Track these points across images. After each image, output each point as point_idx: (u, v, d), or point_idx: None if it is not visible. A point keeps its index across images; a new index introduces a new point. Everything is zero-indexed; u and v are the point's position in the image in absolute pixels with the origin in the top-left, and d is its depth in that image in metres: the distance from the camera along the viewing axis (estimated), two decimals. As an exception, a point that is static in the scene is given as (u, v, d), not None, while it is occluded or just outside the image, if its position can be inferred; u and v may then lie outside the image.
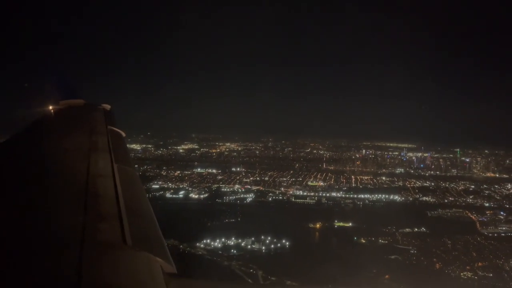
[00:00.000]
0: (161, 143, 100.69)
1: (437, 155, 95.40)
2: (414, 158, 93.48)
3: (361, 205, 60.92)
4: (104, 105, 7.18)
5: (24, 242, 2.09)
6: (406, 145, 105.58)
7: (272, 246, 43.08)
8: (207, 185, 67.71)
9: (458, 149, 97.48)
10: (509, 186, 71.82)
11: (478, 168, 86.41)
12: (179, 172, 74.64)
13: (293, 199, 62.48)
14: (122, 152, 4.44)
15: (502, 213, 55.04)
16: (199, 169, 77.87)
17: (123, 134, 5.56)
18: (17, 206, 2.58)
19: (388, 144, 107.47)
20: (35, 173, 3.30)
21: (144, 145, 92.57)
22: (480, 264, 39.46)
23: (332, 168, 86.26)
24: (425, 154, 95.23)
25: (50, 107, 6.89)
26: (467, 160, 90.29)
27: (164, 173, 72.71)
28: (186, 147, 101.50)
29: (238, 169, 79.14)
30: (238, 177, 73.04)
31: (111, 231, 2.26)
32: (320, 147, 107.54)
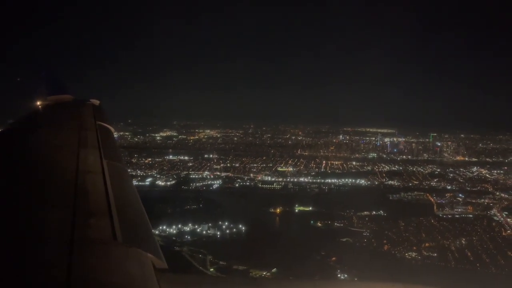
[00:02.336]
0: (140, 130, 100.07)
1: (414, 139, 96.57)
2: (388, 143, 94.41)
3: (326, 190, 61.71)
4: (93, 100, 7.10)
5: (14, 239, 2.08)
6: (385, 131, 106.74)
7: (228, 231, 43.63)
8: (176, 172, 67.68)
9: (434, 134, 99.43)
10: (474, 169, 73.38)
11: (449, 152, 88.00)
12: (150, 159, 74.28)
13: (260, 185, 62.90)
14: (112, 148, 4.41)
15: (460, 195, 56.32)
16: (171, 156, 77.62)
17: (112, 130, 5.55)
18: (6, 202, 2.54)
19: (368, 130, 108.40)
20: (23, 170, 3.24)
21: (121, 133, 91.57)
22: (427, 244, 40.63)
23: (306, 153, 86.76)
24: (399, 139, 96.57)
25: (39, 103, 6.81)
26: (439, 144, 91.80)
27: (134, 160, 72.26)
28: (165, 134, 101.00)
29: (211, 155, 79.08)
30: (209, 164, 73.06)
31: (101, 227, 2.24)
32: (300, 133, 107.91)
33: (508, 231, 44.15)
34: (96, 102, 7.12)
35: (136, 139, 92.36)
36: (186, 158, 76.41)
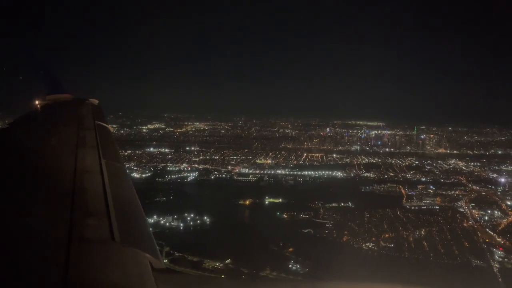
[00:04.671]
0: (128, 122, 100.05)
1: (401, 132, 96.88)
2: (373, 135, 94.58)
3: (301, 182, 61.91)
4: (92, 99, 7.22)
5: (10, 239, 2.07)
6: (375, 124, 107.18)
7: (192, 223, 43.84)
8: (154, 164, 67.80)
9: (422, 127, 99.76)
10: (452, 161, 73.67)
11: (431, 144, 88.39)
12: (130, 151, 74.17)
13: (236, 177, 63.05)
14: (110, 147, 4.40)
15: (431, 187, 56.63)
16: (151, 149, 77.73)
17: (110, 129, 5.63)
18: (3, 202, 2.55)
19: (358, 123, 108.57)
20: (21, 170, 3.23)
21: (109, 125, 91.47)
22: (386, 235, 40.96)
23: (289, 146, 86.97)
24: (384, 132, 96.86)
25: (37, 102, 6.88)
26: (422, 137, 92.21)
27: (113, 153, 72.35)
28: (152, 127, 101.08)
29: (193, 148, 79.32)
30: (188, 156, 73.24)
31: (99, 227, 2.23)
32: (289, 126, 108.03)
33: (470, 222, 44.57)
34: (95, 101, 7.22)
35: (122, 132, 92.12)
36: (167, 150, 76.57)
